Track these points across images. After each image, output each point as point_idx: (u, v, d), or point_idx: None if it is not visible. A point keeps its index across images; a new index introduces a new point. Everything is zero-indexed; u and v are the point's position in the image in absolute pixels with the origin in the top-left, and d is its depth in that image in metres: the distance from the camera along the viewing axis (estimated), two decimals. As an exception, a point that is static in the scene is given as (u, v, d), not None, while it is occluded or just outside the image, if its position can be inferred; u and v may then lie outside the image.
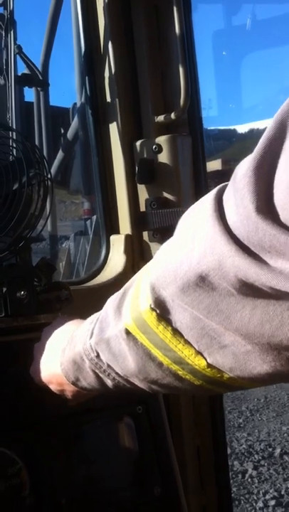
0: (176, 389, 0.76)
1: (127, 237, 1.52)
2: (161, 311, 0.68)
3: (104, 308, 0.82)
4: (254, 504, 4.41)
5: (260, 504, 4.39)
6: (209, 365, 0.68)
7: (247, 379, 0.66)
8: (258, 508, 4.36)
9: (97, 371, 0.84)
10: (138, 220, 1.51)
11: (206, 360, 0.67)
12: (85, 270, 2.57)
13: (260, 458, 5.19)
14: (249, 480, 4.77)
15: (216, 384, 0.71)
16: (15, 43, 1.57)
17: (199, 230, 0.61)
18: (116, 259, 1.52)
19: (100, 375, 0.84)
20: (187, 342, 0.68)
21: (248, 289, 0.57)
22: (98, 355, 0.81)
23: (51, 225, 2.90)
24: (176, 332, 0.68)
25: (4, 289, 1.22)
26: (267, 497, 4.49)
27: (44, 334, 1.07)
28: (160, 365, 0.73)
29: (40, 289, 1.27)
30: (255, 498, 4.51)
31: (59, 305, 1.27)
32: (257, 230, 0.54)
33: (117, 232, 1.55)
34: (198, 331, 0.65)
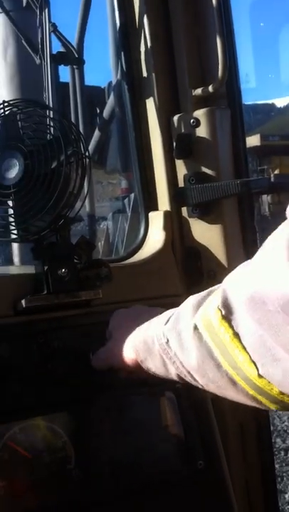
0: (231, 395, 0.79)
1: (165, 213, 1.51)
2: (226, 312, 0.73)
3: (184, 302, 0.88)
4: (297, 481, 4.40)
5: (303, 481, 4.37)
6: (260, 376, 0.70)
7: None
8: (301, 484, 4.35)
9: (164, 356, 0.89)
10: (176, 195, 1.50)
11: (258, 370, 0.70)
12: (124, 248, 2.57)
13: (302, 435, 5.16)
14: (292, 457, 4.76)
15: (267, 397, 0.73)
16: (49, 21, 1.55)
17: (273, 258, 0.67)
18: (155, 236, 1.51)
19: (166, 360, 0.89)
20: (244, 348, 0.71)
21: None
22: (168, 342, 0.87)
23: (89, 205, 2.90)
24: (236, 336, 0.72)
25: (46, 267, 1.23)
26: (310, 474, 4.47)
27: (116, 315, 1.15)
28: (219, 366, 0.76)
29: (81, 267, 1.28)
30: (298, 475, 4.49)
31: (99, 282, 1.28)
32: None
33: (155, 208, 1.54)
34: (255, 339, 0.69)
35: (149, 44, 1.51)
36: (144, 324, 0.98)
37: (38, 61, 1.54)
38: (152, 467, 1.21)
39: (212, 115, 1.44)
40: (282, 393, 0.69)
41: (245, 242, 1.51)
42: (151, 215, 1.54)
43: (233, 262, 1.47)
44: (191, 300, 0.86)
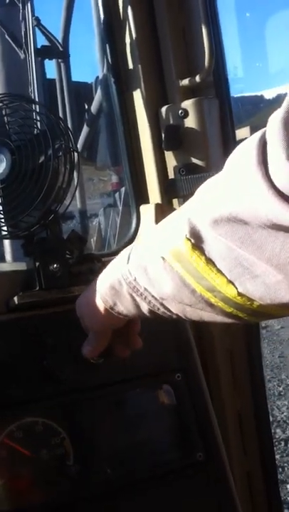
0: (208, 315, 0.80)
1: (156, 206, 1.49)
2: (196, 240, 0.72)
3: (140, 238, 0.88)
4: (298, 471, 4.41)
5: (304, 470, 4.39)
6: (240, 294, 0.71)
7: (276, 306, 0.70)
8: (301, 474, 4.36)
9: (134, 294, 0.88)
10: (167, 187, 1.49)
11: (236, 289, 0.71)
12: (116, 242, 2.56)
13: (302, 425, 5.18)
14: (292, 447, 4.77)
15: (246, 311, 0.74)
16: (33, 15, 1.54)
17: (241, 173, 0.64)
18: (146, 229, 1.50)
19: (137, 298, 0.88)
20: (219, 271, 0.71)
21: (279, 227, 0.61)
22: (136, 279, 0.86)
23: (80, 201, 2.89)
24: (209, 261, 0.72)
25: (37, 263, 1.22)
26: (310, 463, 4.48)
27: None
28: (193, 291, 0.77)
29: (73, 262, 1.27)
30: (299, 464, 4.50)
31: (92, 277, 1.26)
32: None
33: (146, 201, 1.53)
34: (231, 260, 0.69)
35: (134, 36, 1.49)
36: (104, 272, 0.97)
37: (22, 55, 1.53)
38: (152, 460, 1.20)
39: (200, 105, 1.43)
40: (262, 305, 0.71)
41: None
42: (143, 208, 1.53)
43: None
44: (148, 234, 0.86)
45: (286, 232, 0.61)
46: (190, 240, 0.73)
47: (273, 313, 0.74)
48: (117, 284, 0.91)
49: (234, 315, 0.76)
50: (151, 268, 0.82)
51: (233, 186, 0.66)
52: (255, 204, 0.61)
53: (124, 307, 0.93)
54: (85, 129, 2.68)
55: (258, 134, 0.64)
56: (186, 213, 0.75)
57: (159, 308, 0.86)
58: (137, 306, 0.90)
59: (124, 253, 0.93)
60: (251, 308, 0.72)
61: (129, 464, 1.19)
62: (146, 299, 0.86)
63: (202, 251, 0.72)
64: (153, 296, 0.84)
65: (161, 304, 0.84)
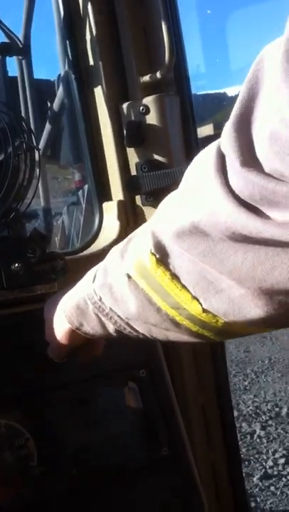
0: (174, 335, 0.78)
1: (119, 203, 1.49)
2: (161, 255, 0.71)
3: (107, 256, 0.86)
4: (264, 463, 4.48)
5: (270, 463, 4.46)
6: (205, 310, 0.69)
7: (241, 323, 0.68)
8: (268, 467, 4.43)
9: (100, 315, 0.86)
10: (129, 184, 1.49)
11: (201, 305, 0.69)
12: (80, 240, 2.55)
13: (267, 418, 5.26)
14: (258, 440, 4.84)
15: (212, 330, 0.72)
16: (-9, 11, 1.51)
17: (200, 183, 0.64)
18: (110, 227, 1.50)
19: (103, 318, 0.86)
20: (184, 287, 0.70)
21: (239, 237, 0.59)
22: (101, 299, 0.84)
23: (44, 200, 2.86)
24: (174, 277, 0.70)
25: (-2, 263, 1.21)
26: (276, 456, 4.56)
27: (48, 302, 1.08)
28: (159, 309, 0.75)
29: (35, 261, 1.26)
30: (265, 457, 4.58)
31: (55, 275, 1.26)
32: (246, 183, 0.56)
33: (109, 198, 1.53)
34: (194, 275, 0.67)
35: (94, 32, 1.49)
36: (71, 291, 0.95)
37: (-20, 52, 1.50)
38: (117, 457, 1.20)
39: (161, 101, 1.44)
40: (227, 323, 0.69)
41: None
42: (105, 205, 1.52)
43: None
44: (113, 251, 0.84)
45: (246, 243, 0.60)
46: (154, 255, 0.71)
47: (239, 331, 0.72)
48: (83, 303, 0.89)
49: (200, 334, 0.74)
50: (116, 286, 0.80)
51: (192, 196, 0.65)
52: (215, 212, 0.60)
53: (91, 327, 0.90)
54: (47, 127, 2.65)
55: (215, 143, 0.64)
56: (149, 227, 0.74)
57: (125, 328, 0.84)
58: (104, 327, 0.87)
59: (90, 273, 0.91)
60: (216, 326, 0.71)
61: (95, 463, 1.19)
62: (111, 319, 0.84)
63: (167, 266, 0.71)
64: (118, 316, 0.83)
65: (127, 324, 0.83)
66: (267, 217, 0.56)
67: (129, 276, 0.77)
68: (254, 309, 0.64)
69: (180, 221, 0.65)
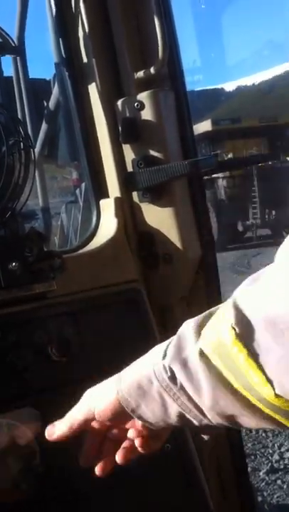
0: (246, 420, 0.75)
1: (116, 200, 1.49)
2: (242, 330, 0.69)
3: (179, 330, 0.80)
4: (270, 458, 4.48)
5: (276, 457, 4.46)
6: (277, 395, 0.67)
7: None
8: (274, 460, 4.43)
9: (164, 394, 0.79)
10: (126, 181, 1.48)
11: (274, 390, 0.67)
12: (78, 238, 2.55)
13: (272, 412, 5.26)
14: (263, 434, 4.84)
15: (284, 414, 0.70)
16: (-17, 10, 1.50)
17: None
18: (107, 224, 1.50)
19: (167, 398, 0.79)
20: (260, 367, 0.67)
21: None
22: (172, 376, 0.78)
23: (43, 199, 2.86)
24: (252, 355, 0.68)
25: (-4, 262, 1.20)
26: (282, 449, 4.56)
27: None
28: (231, 388, 0.72)
29: (33, 260, 1.25)
30: (271, 451, 4.58)
31: (53, 274, 1.25)
32: None
33: (106, 196, 1.52)
34: (274, 358, 0.66)
35: (87, 29, 1.48)
36: (129, 370, 0.87)
37: (-27, 52, 1.50)
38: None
39: (156, 97, 1.43)
40: None
41: (199, 223, 1.50)
42: (103, 202, 1.52)
43: (188, 244, 1.47)
44: (190, 324, 0.78)
45: None
46: (235, 329, 0.69)
47: None
48: (146, 382, 0.81)
49: (271, 417, 0.71)
50: (190, 362, 0.75)
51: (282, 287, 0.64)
52: None
53: (150, 409, 0.82)
54: (44, 126, 2.64)
55: None
56: (234, 301, 0.71)
57: (190, 411, 0.78)
58: (165, 409, 0.80)
59: (157, 349, 0.83)
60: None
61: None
62: (178, 399, 0.78)
63: (246, 342, 0.68)
64: (188, 394, 0.77)
65: (195, 405, 0.77)
66: None
67: (201, 353, 0.73)
68: None
69: (274, 305, 0.65)
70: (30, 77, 2.64)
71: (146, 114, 1.43)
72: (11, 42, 1.73)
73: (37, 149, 2.16)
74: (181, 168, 1.38)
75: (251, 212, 17.61)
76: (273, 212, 17.57)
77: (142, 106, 1.43)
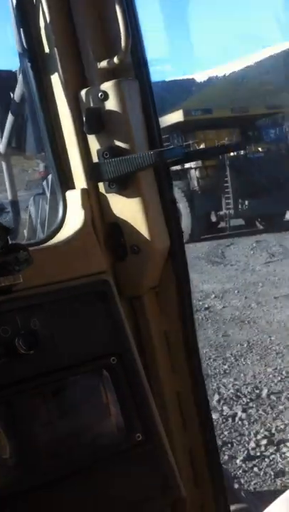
0: None
1: (83, 191, 1.47)
2: None
3: None
4: (246, 445, 4.53)
5: (253, 444, 4.51)
6: None
7: None
8: (250, 448, 4.49)
9: None
10: (92, 172, 1.47)
11: None
12: (46, 229, 2.53)
13: (248, 400, 5.32)
14: (239, 423, 4.89)
15: None
16: None
17: None
18: (74, 215, 1.48)
19: None
20: None
21: None
22: None
23: (11, 193, 2.82)
24: None
25: None
26: (258, 437, 4.61)
27: None
28: None
29: (-2, 253, 1.24)
30: (247, 439, 4.63)
31: (18, 267, 1.24)
32: None
33: (72, 187, 1.51)
34: None
35: (48, 19, 1.46)
36: None
37: None
38: (91, 445, 1.20)
39: (119, 87, 1.41)
40: None
41: (166, 213, 1.50)
42: (69, 194, 1.50)
43: (156, 234, 1.47)
44: None
45: None
46: None
47: None
48: None
49: None
50: None
51: None
52: None
53: None
54: (10, 118, 2.60)
55: None
56: None
57: None
58: None
59: None
60: None
61: (69, 453, 1.18)
62: None
63: None
64: None
65: None
66: None
67: None
68: None
69: None
70: (-5, 68, 2.60)
71: (111, 104, 1.42)
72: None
73: (4, 141, 2.13)
74: (146, 159, 1.37)
75: (224, 203, 17.70)
76: (246, 202, 17.69)
77: (105, 96, 1.42)
